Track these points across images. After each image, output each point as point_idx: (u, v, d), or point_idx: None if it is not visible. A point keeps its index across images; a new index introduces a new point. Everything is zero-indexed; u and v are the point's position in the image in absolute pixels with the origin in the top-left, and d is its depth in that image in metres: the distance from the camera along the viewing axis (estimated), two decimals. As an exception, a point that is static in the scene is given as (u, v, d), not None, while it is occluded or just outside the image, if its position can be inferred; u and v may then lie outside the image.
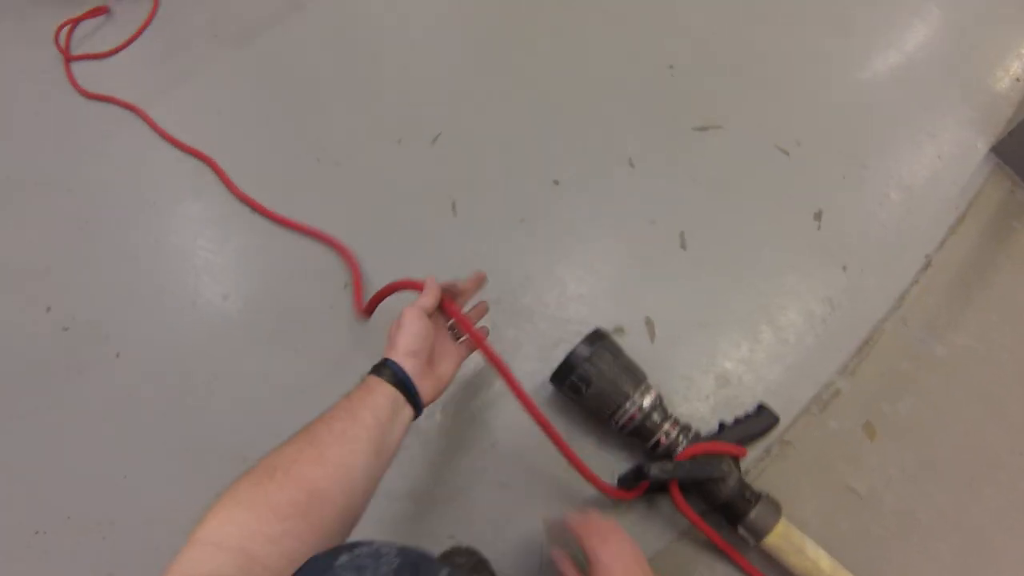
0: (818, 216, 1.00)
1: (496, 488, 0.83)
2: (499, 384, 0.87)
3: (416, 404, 0.59)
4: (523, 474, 0.83)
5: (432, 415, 0.87)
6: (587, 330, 0.81)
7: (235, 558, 0.40)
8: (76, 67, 1.30)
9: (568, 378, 0.78)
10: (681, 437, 0.77)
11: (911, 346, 0.95)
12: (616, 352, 0.80)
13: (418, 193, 1.03)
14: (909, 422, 0.91)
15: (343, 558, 0.37)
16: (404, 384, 0.58)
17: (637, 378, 0.79)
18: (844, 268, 0.97)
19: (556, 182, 1.01)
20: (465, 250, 0.97)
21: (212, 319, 0.97)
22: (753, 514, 0.73)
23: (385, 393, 0.57)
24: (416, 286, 0.68)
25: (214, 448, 0.87)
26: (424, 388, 0.61)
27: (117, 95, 1.23)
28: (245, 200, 1.04)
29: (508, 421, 0.86)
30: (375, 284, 0.95)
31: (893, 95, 1.11)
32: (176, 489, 0.85)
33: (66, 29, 1.34)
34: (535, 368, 0.87)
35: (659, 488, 0.78)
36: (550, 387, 0.83)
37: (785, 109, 1.09)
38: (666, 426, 0.77)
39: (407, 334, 0.61)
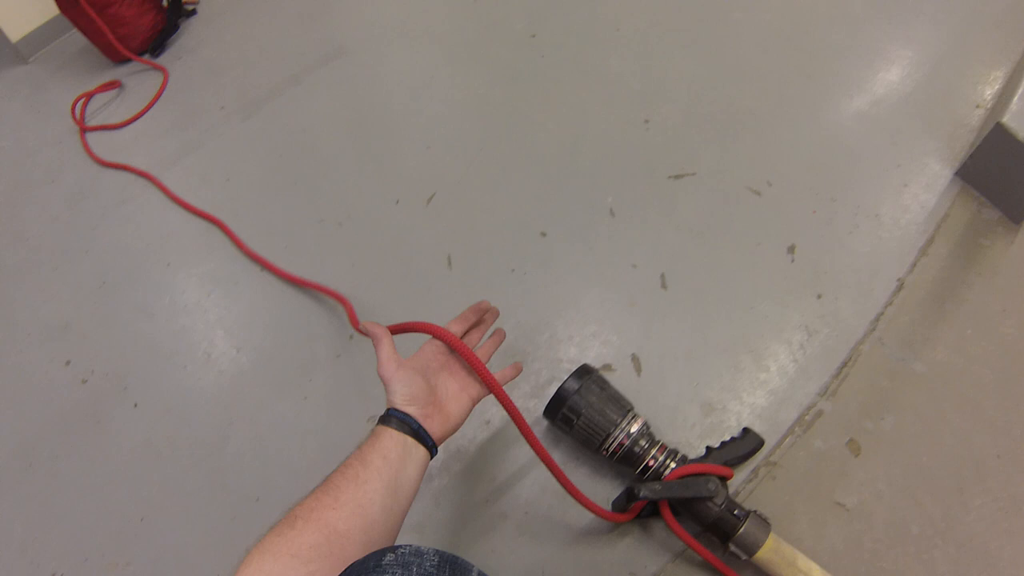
0: (791, 250, 1.07)
1: (491, 516, 0.90)
2: (496, 421, 0.96)
3: (427, 444, 0.62)
4: (522, 504, 0.90)
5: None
6: (577, 367, 0.89)
7: None
8: (91, 137, 1.45)
9: (560, 411, 0.85)
10: (669, 460, 0.83)
11: (890, 364, 1.00)
12: (602, 384, 0.88)
13: (415, 249, 1.14)
14: (893, 437, 0.95)
15: (388, 557, 0.42)
16: (410, 427, 0.61)
17: (623, 407, 0.86)
18: (819, 296, 1.04)
19: (543, 234, 1.11)
20: (460, 301, 1.05)
21: (226, 370, 1.08)
22: (743, 530, 0.76)
23: (392, 437, 0.60)
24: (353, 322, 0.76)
25: (229, 491, 0.96)
26: (432, 427, 0.63)
27: (131, 163, 1.38)
28: (254, 257, 1.16)
29: (504, 455, 0.94)
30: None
31: (858, 131, 1.19)
32: (191, 531, 0.94)
33: (81, 102, 1.50)
34: (530, 405, 0.95)
35: (651, 511, 0.84)
36: (544, 422, 0.91)
37: (755, 152, 1.18)
38: (653, 451, 0.83)
39: (397, 385, 0.64)
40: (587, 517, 0.88)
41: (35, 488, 1.01)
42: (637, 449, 0.83)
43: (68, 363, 1.12)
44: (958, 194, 1.14)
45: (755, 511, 0.81)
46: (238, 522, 0.92)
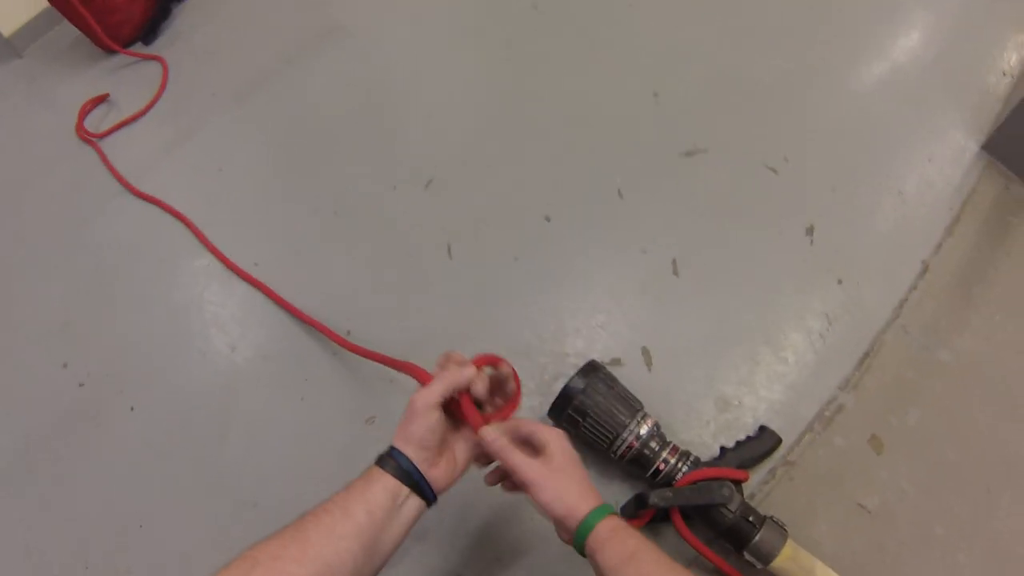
0: (810, 231, 1.01)
1: (498, 523, 0.84)
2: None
3: (426, 496, 0.56)
4: (520, 506, 0.84)
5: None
6: (584, 363, 0.83)
7: None
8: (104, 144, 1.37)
9: (565, 411, 0.80)
10: (681, 464, 0.78)
11: (914, 354, 0.94)
12: (611, 382, 0.82)
13: (414, 237, 1.07)
14: (918, 432, 0.90)
15: None
16: (410, 476, 0.55)
17: (633, 407, 0.81)
18: (840, 281, 0.97)
19: (547, 218, 1.04)
20: (461, 291, 1.00)
21: (221, 370, 1.02)
22: (758, 538, 0.72)
23: (386, 487, 0.54)
24: (425, 378, 0.61)
25: (227, 493, 0.91)
26: (436, 476, 0.57)
27: (124, 158, 1.30)
28: (224, 261, 1.10)
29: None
30: (372, 329, 0.98)
31: (879, 102, 1.11)
32: (191, 535, 0.90)
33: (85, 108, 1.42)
34: (535, 403, 0.89)
35: (662, 517, 0.79)
36: (550, 422, 0.85)
37: (771, 127, 1.10)
38: (664, 453, 0.78)
39: (417, 426, 0.56)
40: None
41: (33, 493, 0.97)
42: (647, 452, 0.78)
43: (65, 365, 1.07)
44: (984, 169, 1.07)
45: (771, 517, 0.76)
46: (236, 528, 0.88)
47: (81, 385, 1.04)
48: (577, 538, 0.55)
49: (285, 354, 1.01)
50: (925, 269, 0.99)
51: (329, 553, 0.48)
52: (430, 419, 0.56)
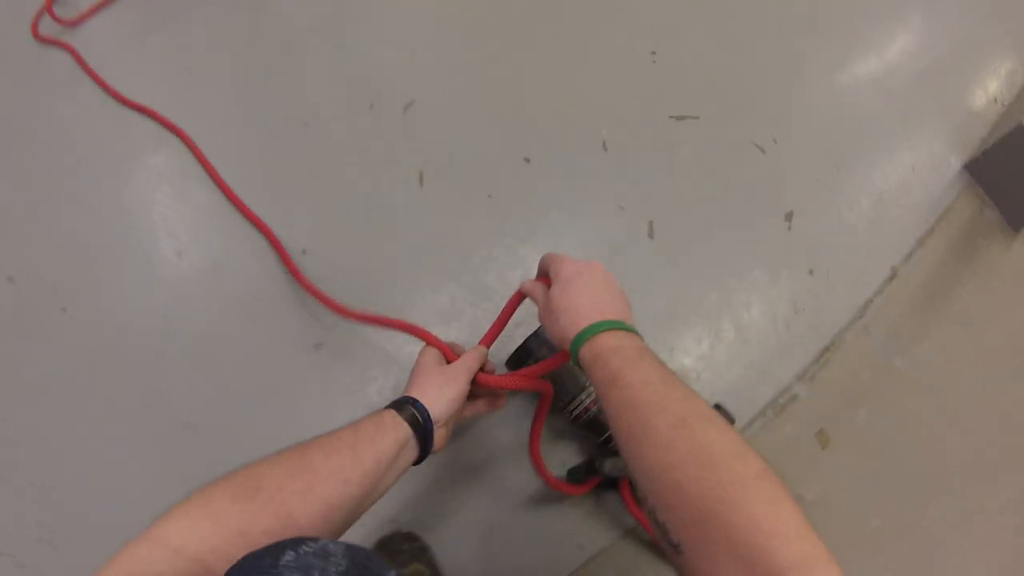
0: (789, 217, 0.98)
1: (440, 470, 0.78)
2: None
3: (425, 449, 0.56)
4: (467, 457, 0.78)
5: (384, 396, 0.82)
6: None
7: (190, 568, 0.37)
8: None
9: (525, 362, 0.73)
10: None
11: (872, 356, 0.93)
12: None
13: (386, 161, 0.97)
14: (864, 431, 0.89)
15: (287, 556, 0.33)
16: (423, 427, 0.55)
17: None
18: (811, 272, 0.95)
19: (527, 160, 0.96)
20: (429, 224, 0.91)
21: (165, 276, 0.89)
22: None
23: (398, 435, 0.53)
24: (447, 352, 0.67)
25: (162, 410, 0.81)
26: (438, 437, 0.58)
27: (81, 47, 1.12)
28: (207, 168, 0.96)
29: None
30: (327, 253, 0.89)
31: (872, 102, 1.10)
32: (120, 452, 0.79)
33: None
34: (494, 350, 0.82)
35: (609, 485, 0.74)
36: (506, 370, 0.78)
37: (764, 106, 1.07)
38: None
39: (454, 389, 0.59)
40: (537, 482, 0.78)
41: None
42: (603, 417, 0.73)
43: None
44: (963, 189, 1.07)
45: None
46: (170, 448, 0.79)
47: (10, 280, 0.90)
48: (573, 358, 0.53)
49: (235, 268, 0.89)
50: (893, 275, 0.98)
51: (333, 495, 0.46)
52: (465, 386, 0.60)
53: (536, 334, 0.73)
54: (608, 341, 0.50)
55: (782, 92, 1.08)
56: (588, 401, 0.72)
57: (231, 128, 1.01)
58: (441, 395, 0.58)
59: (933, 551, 0.84)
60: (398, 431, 0.53)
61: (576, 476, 0.73)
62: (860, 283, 0.96)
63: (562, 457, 0.78)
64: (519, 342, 0.75)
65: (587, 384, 0.73)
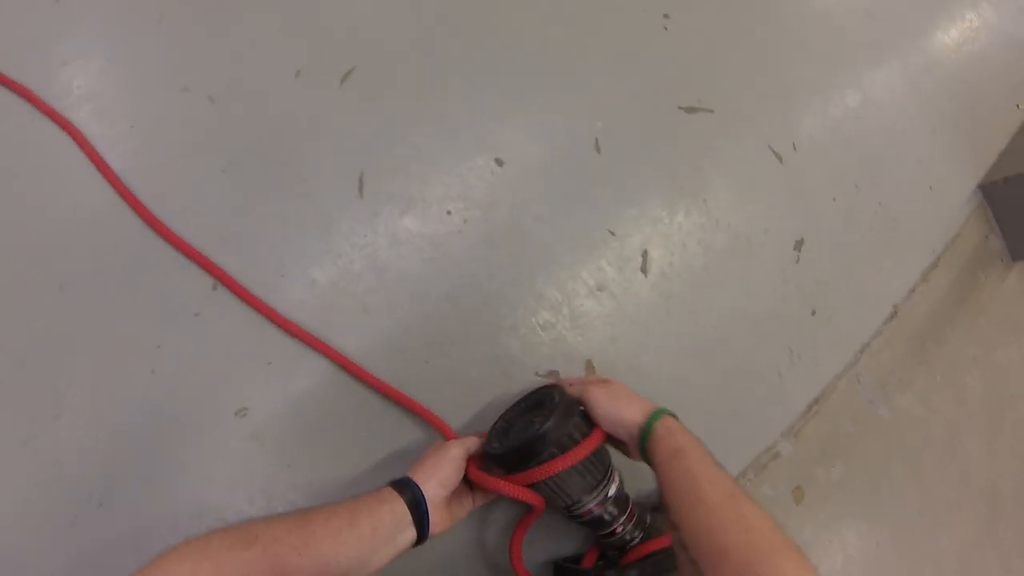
0: (799, 245, 0.85)
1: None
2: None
3: (423, 531, 0.56)
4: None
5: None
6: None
7: None
8: None
9: (526, 464, 0.59)
10: (636, 533, 0.64)
11: (859, 406, 0.87)
12: (584, 424, 0.62)
13: (315, 156, 0.70)
14: (838, 487, 0.85)
15: None
16: (419, 508, 0.55)
17: (605, 464, 0.63)
18: (813, 312, 0.85)
19: (499, 161, 0.75)
20: (369, 249, 0.69)
21: (53, 322, 0.63)
22: None
23: (395, 510, 0.54)
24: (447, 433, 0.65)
25: (65, 488, 0.60)
26: (436, 520, 0.57)
27: None
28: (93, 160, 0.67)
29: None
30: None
31: (900, 106, 0.95)
32: (26, 536, 0.59)
33: None
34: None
35: None
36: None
37: (786, 105, 0.90)
38: (623, 518, 0.63)
39: (446, 468, 0.58)
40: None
41: None
42: (607, 517, 0.62)
43: None
44: (973, 212, 0.98)
45: None
46: (80, 528, 0.59)
47: None
48: (641, 444, 0.59)
49: (132, 310, 0.63)
50: (894, 314, 0.90)
51: (329, 553, 0.48)
52: (459, 466, 0.59)
53: (542, 435, 0.58)
54: (670, 422, 0.58)
55: (806, 93, 0.91)
56: (594, 504, 0.60)
57: (114, 98, 0.71)
58: (433, 473, 0.58)
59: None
60: (395, 504, 0.54)
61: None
62: (861, 324, 0.88)
63: (558, 549, 0.67)
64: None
65: (597, 483, 0.61)
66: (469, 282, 0.71)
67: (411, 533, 0.55)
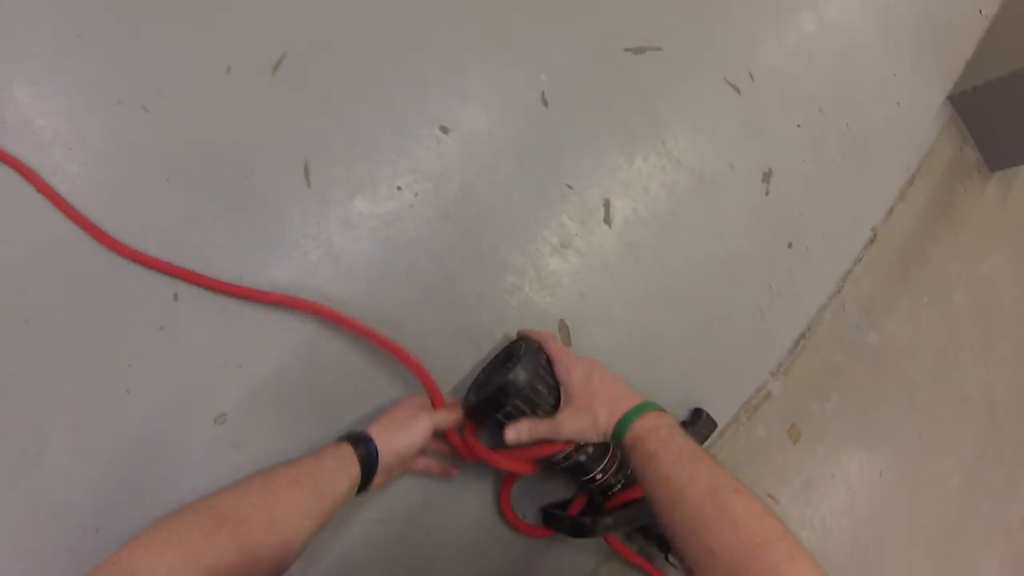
0: (767, 178, 0.82)
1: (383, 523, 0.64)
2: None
3: (362, 489, 0.56)
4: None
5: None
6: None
7: None
8: None
9: (491, 416, 0.59)
10: (618, 478, 0.63)
11: (847, 335, 0.85)
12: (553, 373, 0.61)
13: (258, 151, 0.65)
14: (834, 419, 0.84)
15: None
16: (370, 469, 0.55)
17: None
18: (790, 245, 0.82)
19: (444, 129, 0.71)
20: (320, 234, 0.66)
21: (24, 355, 0.59)
22: None
23: (351, 473, 0.53)
24: (437, 398, 0.61)
25: (58, 518, 0.56)
26: (378, 480, 0.56)
27: None
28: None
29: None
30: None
31: (856, 25, 0.91)
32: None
33: None
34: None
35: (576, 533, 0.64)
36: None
37: (738, 34, 0.86)
38: (604, 462, 0.62)
39: (412, 438, 0.57)
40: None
41: None
42: (587, 462, 0.61)
43: None
44: (945, 126, 0.95)
45: None
46: (80, 558, 0.57)
47: None
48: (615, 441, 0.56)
49: (96, 329, 0.58)
50: (873, 237, 0.87)
51: (292, 529, 0.48)
52: (423, 440, 0.57)
53: (506, 386, 0.57)
54: (644, 424, 0.54)
55: (759, 18, 0.87)
56: (572, 449, 0.60)
57: (38, 116, 0.67)
58: (394, 439, 0.56)
59: (877, 531, 0.83)
60: (352, 470, 0.53)
61: (556, 524, 0.64)
62: (841, 251, 0.86)
63: (543, 497, 0.66)
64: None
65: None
66: (428, 256, 0.67)
67: (353, 493, 0.54)
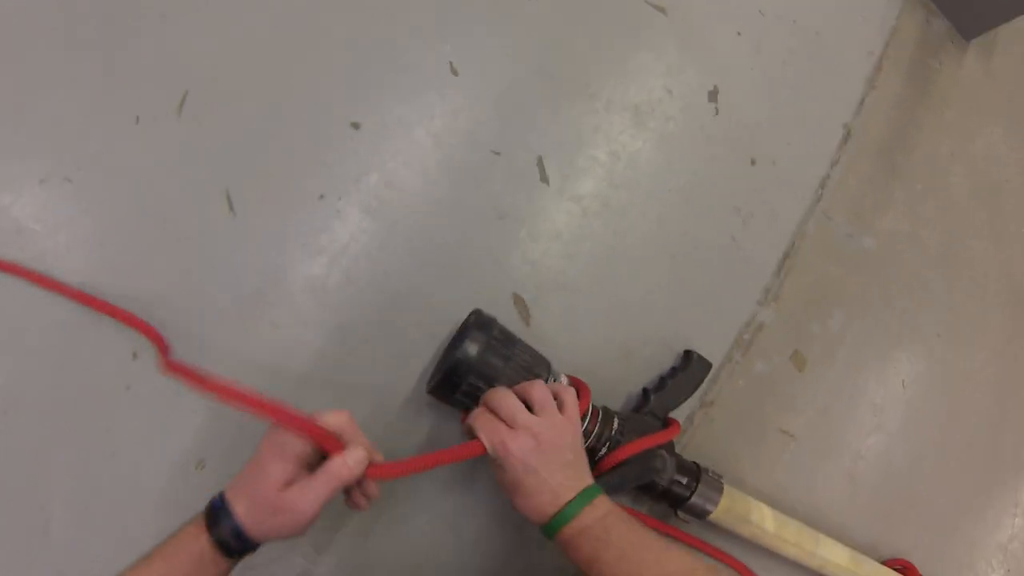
0: (713, 96, 0.76)
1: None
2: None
3: (246, 552, 0.46)
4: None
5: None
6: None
7: None
8: None
9: (451, 395, 0.56)
10: (603, 438, 0.59)
11: (838, 245, 0.78)
12: (509, 341, 0.58)
13: (178, 191, 0.63)
14: (841, 337, 0.78)
15: None
16: (233, 544, 0.45)
17: (544, 366, 0.58)
18: (753, 162, 0.76)
19: (355, 125, 0.66)
20: (256, 261, 0.63)
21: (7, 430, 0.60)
22: (694, 498, 0.63)
23: (216, 561, 0.44)
24: (329, 442, 0.46)
25: None
26: (274, 526, 0.45)
27: None
28: None
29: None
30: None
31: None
32: None
33: None
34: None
35: None
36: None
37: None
38: (585, 423, 0.58)
39: (292, 522, 0.45)
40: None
41: None
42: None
43: None
44: (905, 1, 0.86)
45: (706, 471, 0.64)
46: None
47: None
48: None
49: (66, 395, 0.60)
50: (847, 134, 0.80)
51: None
52: (315, 512, 0.45)
53: (456, 365, 0.54)
54: (577, 524, 0.49)
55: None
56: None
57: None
58: (274, 526, 0.45)
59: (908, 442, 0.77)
60: (218, 567, 0.45)
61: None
62: (812, 156, 0.79)
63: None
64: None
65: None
66: (362, 258, 0.64)
67: (225, 561, 0.46)
